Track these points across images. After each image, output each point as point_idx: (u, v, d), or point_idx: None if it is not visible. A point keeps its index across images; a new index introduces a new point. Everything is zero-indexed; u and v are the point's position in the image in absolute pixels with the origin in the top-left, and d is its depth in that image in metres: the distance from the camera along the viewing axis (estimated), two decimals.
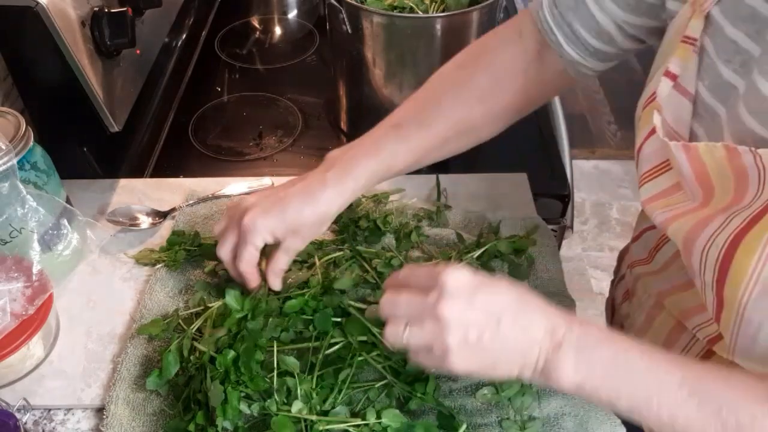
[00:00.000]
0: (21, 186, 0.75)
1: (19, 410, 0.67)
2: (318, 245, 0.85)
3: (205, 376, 0.67)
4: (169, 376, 0.70)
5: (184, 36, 1.32)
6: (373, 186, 0.75)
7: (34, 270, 0.76)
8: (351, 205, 0.90)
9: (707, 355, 0.62)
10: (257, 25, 1.47)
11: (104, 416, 0.69)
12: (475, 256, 0.82)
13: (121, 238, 0.90)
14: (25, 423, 0.67)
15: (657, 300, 0.69)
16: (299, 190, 0.71)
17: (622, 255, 0.84)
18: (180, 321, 0.76)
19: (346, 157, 0.72)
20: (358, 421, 0.64)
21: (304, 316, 0.74)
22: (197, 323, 0.74)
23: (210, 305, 0.75)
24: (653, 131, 0.54)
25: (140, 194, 0.96)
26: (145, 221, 0.90)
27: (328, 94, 1.22)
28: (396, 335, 0.55)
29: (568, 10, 0.67)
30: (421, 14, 0.99)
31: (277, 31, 1.48)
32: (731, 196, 0.50)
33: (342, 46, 1.07)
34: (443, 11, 0.99)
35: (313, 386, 0.67)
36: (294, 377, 0.67)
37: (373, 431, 0.64)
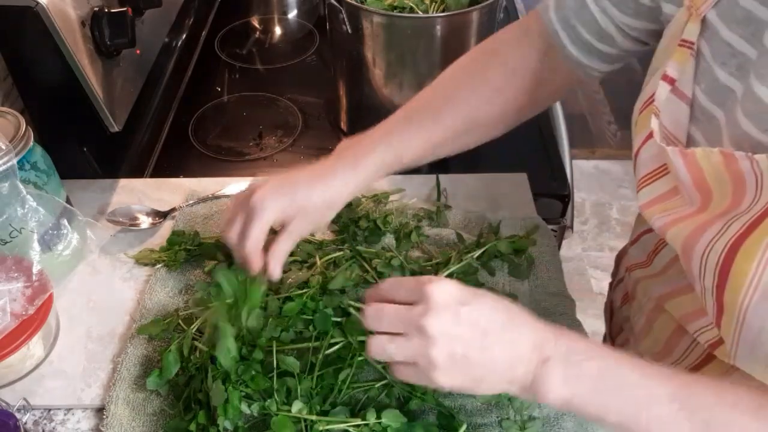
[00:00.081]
0: (21, 186, 0.75)
1: (19, 410, 0.67)
2: (318, 245, 0.85)
3: (206, 376, 0.67)
4: (170, 376, 0.70)
5: (184, 36, 1.32)
6: (384, 176, 0.74)
7: (34, 270, 0.76)
8: (351, 204, 0.90)
9: (707, 359, 0.62)
10: (257, 25, 1.47)
11: (104, 416, 0.69)
12: (475, 256, 0.82)
13: (121, 238, 0.90)
14: (25, 423, 0.67)
15: (657, 303, 0.69)
16: (310, 174, 0.71)
17: (620, 257, 0.83)
18: (180, 321, 0.76)
19: (358, 146, 0.72)
20: (358, 421, 0.64)
21: (304, 316, 0.74)
22: (197, 323, 0.74)
23: (210, 305, 0.75)
24: (650, 135, 0.54)
25: (140, 194, 0.96)
26: (145, 221, 0.91)
27: (328, 94, 1.22)
28: (380, 349, 0.54)
29: (571, 13, 0.68)
30: (421, 14, 0.99)
31: (277, 31, 1.48)
32: (729, 200, 0.50)
33: (342, 46, 1.07)
34: (443, 11, 0.99)
35: (313, 386, 0.67)
36: (294, 377, 0.67)
37: (373, 431, 0.64)
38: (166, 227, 0.91)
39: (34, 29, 0.85)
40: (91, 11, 0.92)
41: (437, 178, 0.95)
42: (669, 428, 0.50)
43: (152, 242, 0.89)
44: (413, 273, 0.80)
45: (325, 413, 0.66)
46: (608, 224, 2.42)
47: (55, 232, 0.81)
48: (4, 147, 0.74)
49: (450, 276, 0.79)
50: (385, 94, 1.05)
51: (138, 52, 1.05)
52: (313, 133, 1.15)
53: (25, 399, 0.68)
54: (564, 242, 1.14)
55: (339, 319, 0.73)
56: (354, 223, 0.87)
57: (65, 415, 0.72)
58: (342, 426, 0.64)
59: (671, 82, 0.55)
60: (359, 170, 0.71)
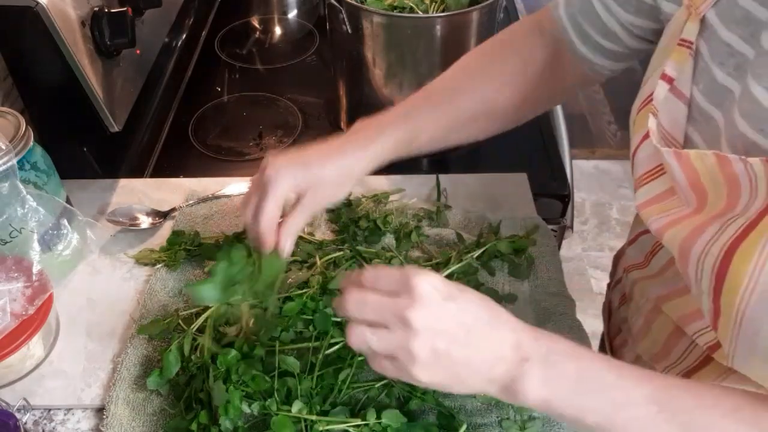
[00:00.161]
0: (21, 186, 0.75)
1: (19, 410, 0.67)
2: (318, 245, 0.85)
3: (207, 376, 0.67)
4: (170, 376, 0.70)
5: (184, 36, 1.32)
6: (398, 156, 0.73)
7: (34, 270, 0.76)
8: (351, 204, 0.90)
9: (706, 360, 0.62)
10: (257, 25, 1.47)
11: (104, 416, 0.69)
12: (475, 256, 0.82)
13: (121, 238, 0.90)
14: (25, 423, 0.67)
15: (655, 304, 0.68)
16: (322, 149, 0.70)
17: (618, 258, 0.83)
18: (180, 321, 0.76)
19: (374, 123, 0.72)
20: (358, 421, 0.64)
21: (304, 316, 0.74)
22: (197, 323, 0.74)
23: (210, 305, 0.75)
24: (647, 135, 0.54)
25: (140, 194, 0.96)
26: (145, 221, 0.90)
27: (328, 94, 1.22)
28: (361, 339, 0.52)
29: (578, 10, 0.69)
30: (421, 14, 0.99)
31: (277, 31, 1.48)
32: (724, 202, 0.50)
33: (342, 46, 1.07)
34: (443, 11, 0.99)
35: (313, 386, 0.67)
36: (294, 377, 0.67)
37: (373, 431, 0.64)
38: (166, 227, 0.91)
39: (34, 29, 0.85)
40: (91, 11, 0.92)
41: (437, 178, 0.95)
42: (646, 430, 0.49)
43: (152, 242, 0.89)
44: None
45: (325, 413, 0.66)
46: (608, 224, 2.43)
47: (55, 232, 0.81)
48: (4, 147, 0.74)
49: (450, 276, 0.79)
50: (385, 94, 1.05)
51: (138, 52, 1.05)
52: (313, 133, 1.15)
53: (25, 399, 0.68)
54: (564, 242, 1.14)
55: (339, 319, 0.73)
56: (354, 223, 0.87)
57: (65, 415, 0.72)
58: (342, 426, 0.64)
59: (670, 81, 0.55)
60: (372, 147, 0.70)
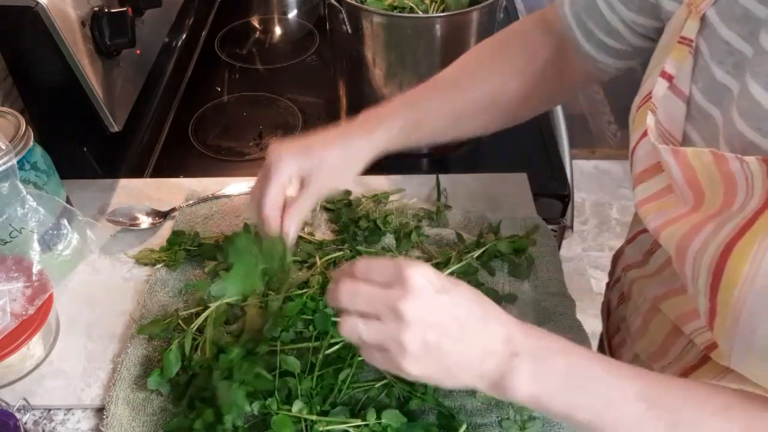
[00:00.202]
0: (21, 186, 0.75)
1: (19, 410, 0.67)
2: (318, 245, 0.85)
3: (210, 374, 0.67)
4: (171, 375, 0.70)
5: (184, 36, 1.32)
6: (404, 144, 0.73)
7: (34, 270, 0.76)
8: (351, 204, 0.90)
9: (703, 360, 0.62)
10: (257, 25, 1.47)
11: (104, 416, 0.69)
12: (475, 256, 0.82)
13: (121, 238, 0.90)
14: (25, 423, 0.67)
15: (653, 304, 0.68)
16: (327, 134, 0.70)
17: (617, 257, 0.83)
18: (180, 321, 0.76)
19: (380, 109, 0.72)
20: (359, 422, 0.64)
21: (304, 316, 0.74)
22: (197, 322, 0.74)
23: (210, 305, 0.75)
24: (646, 133, 0.54)
25: (140, 194, 0.96)
26: (145, 221, 0.90)
27: (328, 94, 1.22)
28: (352, 329, 0.52)
29: (582, 9, 0.69)
30: (421, 14, 0.99)
31: (277, 31, 1.48)
32: (721, 200, 0.50)
33: (342, 46, 1.07)
34: (443, 11, 0.99)
35: (313, 386, 0.67)
36: (294, 377, 0.67)
37: (373, 431, 0.64)
38: (166, 227, 0.91)
39: (34, 29, 0.85)
40: (91, 11, 0.92)
41: (437, 178, 0.95)
42: (636, 427, 0.49)
43: (152, 242, 0.89)
44: None
45: (325, 413, 0.66)
46: (608, 224, 2.43)
47: (55, 232, 0.81)
48: (4, 147, 0.74)
49: (450, 276, 0.79)
50: (385, 94, 1.05)
51: (138, 52, 1.05)
52: (313, 133, 1.15)
53: (25, 399, 0.68)
54: (564, 242, 1.14)
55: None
56: (354, 223, 0.87)
57: (65, 415, 0.72)
58: (342, 427, 0.64)
59: (669, 79, 0.55)
60: (377, 133, 0.70)
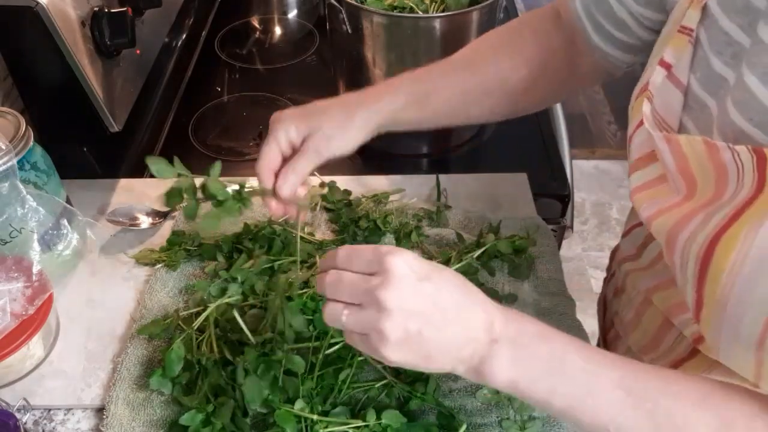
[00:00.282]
0: (21, 186, 0.75)
1: (19, 410, 0.67)
2: (318, 245, 0.85)
3: (222, 370, 0.67)
4: (173, 375, 0.70)
5: (184, 36, 1.32)
6: (409, 117, 0.73)
7: (34, 270, 0.76)
8: (351, 204, 0.90)
9: (693, 352, 0.62)
10: (257, 25, 1.47)
11: (104, 416, 0.69)
12: (475, 256, 0.82)
13: (121, 238, 0.90)
14: (25, 423, 0.67)
15: (645, 296, 0.69)
16: (331, 101, 0.72)
17: (614, 252, 0.84)
18: (180, 321, 0.76)
19: (387, 82, 0.73)
20: (359, 422, 0.64)
21: (304, 317, 0.74)
22: (198, 322, 0.74)
23: (210, 305, 0.75)
24: (643, 122, 0.55)
25: (140, 194, 0.96)
26: (145, 221, 0.90)
27: (328, 94, 1.19)
28: (334, 317, 0.53)
29: (591, 1, 0.70)
30: (421, 14, 0.99)
31: (277, 31, 1.48)
32: (713, 190, 0.50)
33: (342, 46, 1.07)
34: (443, 11, 1.00)
35: (314, 386, 0.67)
36: (296, 377, 0.67)
37: (373, 431, 0.64)
38: (166, 227, 0.91)
39: (34, 29, 0.85)
40: (91, 11, 0.92)
41: (437, 178, 0.95)
42: (613, 415, 0.49)
43: (152, 242, 0.89)
44: None
45: (325, 413, 0.66)
46: (608, 224, 2.43)
47: (55, 232, 0.81)
48: (4, 147, 0.74)
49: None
50: None
51: (138, 52, 1.05)
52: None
53: (25, 399, 0.68)
54: (564, 242, 1.14)
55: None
56: (354, 223, 0.87)
57: (65, 415, 0.72)
58: (342, 428, 0.64)
59: (667, 67, 0.55)
60: (381, 104, 0.71)
